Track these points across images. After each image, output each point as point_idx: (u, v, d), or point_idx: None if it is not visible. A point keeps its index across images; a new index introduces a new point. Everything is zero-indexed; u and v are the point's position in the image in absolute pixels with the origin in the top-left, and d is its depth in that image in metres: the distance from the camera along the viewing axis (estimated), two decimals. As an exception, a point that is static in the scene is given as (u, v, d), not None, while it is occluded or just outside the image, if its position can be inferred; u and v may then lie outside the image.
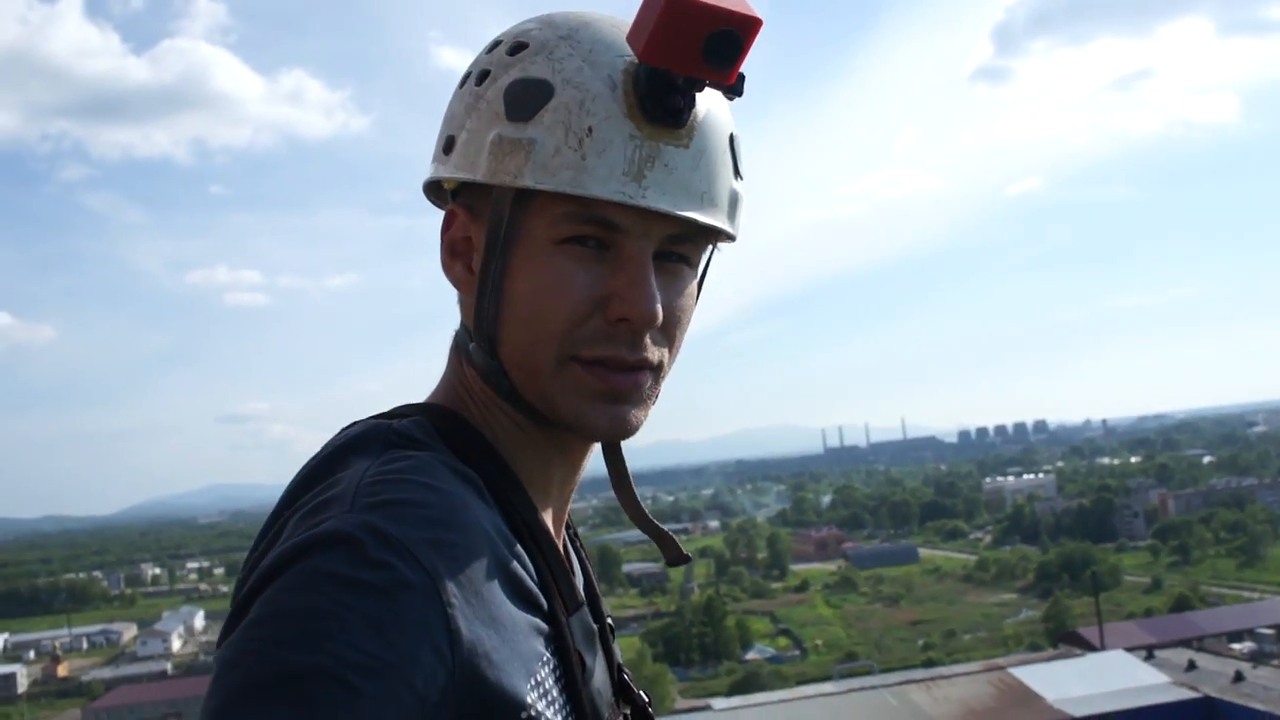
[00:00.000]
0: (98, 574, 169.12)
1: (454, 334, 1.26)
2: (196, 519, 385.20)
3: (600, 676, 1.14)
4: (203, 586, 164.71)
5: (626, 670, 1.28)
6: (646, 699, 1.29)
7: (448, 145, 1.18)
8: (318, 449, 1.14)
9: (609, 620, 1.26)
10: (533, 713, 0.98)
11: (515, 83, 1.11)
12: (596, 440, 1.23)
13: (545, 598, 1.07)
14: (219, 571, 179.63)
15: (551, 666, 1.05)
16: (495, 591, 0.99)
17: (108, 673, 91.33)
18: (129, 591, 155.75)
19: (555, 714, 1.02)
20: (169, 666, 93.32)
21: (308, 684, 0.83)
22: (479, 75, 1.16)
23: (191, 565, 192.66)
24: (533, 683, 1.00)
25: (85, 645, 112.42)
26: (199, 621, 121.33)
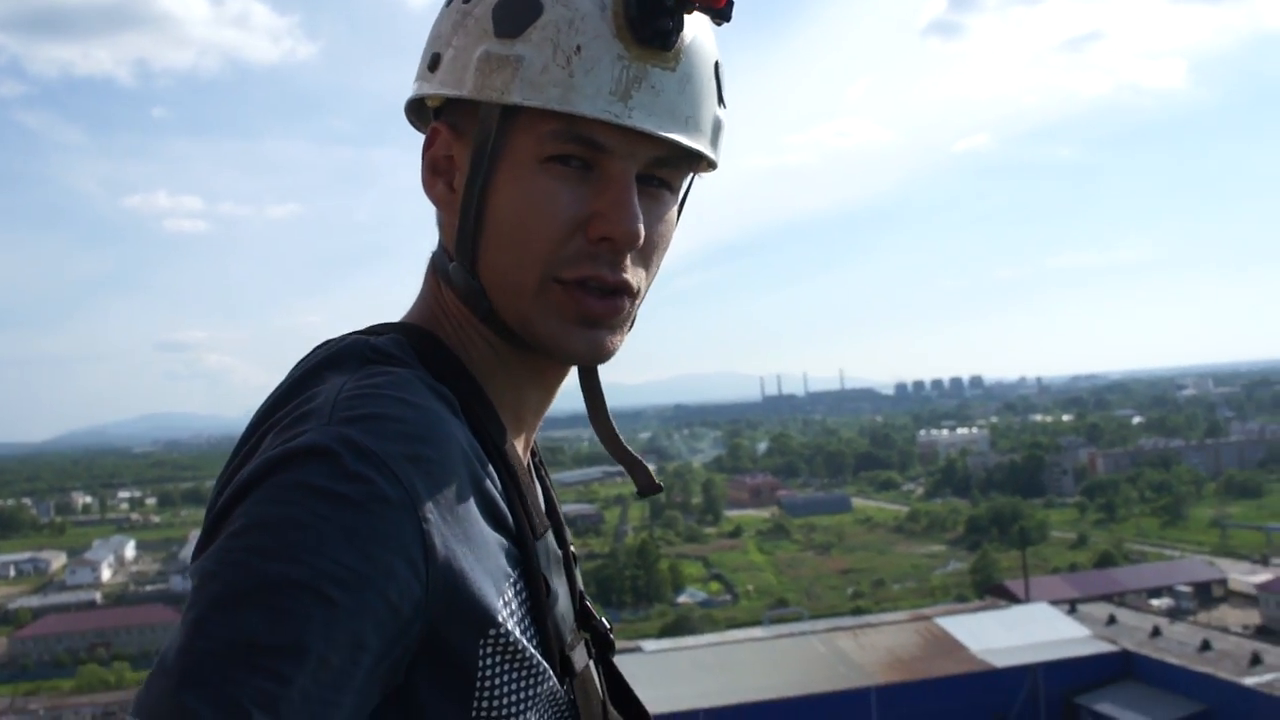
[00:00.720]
0: (27, 501, 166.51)
1: (431, 255, 1.25)
2: (130, 448, 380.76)
3: (564, 601, 1.14)
4: (134, 516, 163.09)
5: (587, 596, 1.28)
6: (608, 625, 1.29)
7: (433, 63, 1.16)
8: (294, 364, 1.14)
9: (571, 548, 1.26)
10: (501, 630, 0.99)
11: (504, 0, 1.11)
12: (573, 364, 1.24)
13: (514, 520, 1.08)
14: (151, 501, 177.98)
15: (518, 588, 1.05)
16: (470, 509, 1.00)
17: (35, 601, 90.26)
18: (59, 520, 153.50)
19: (521, 633, 1.03)
20: (98, 596, 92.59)
21: (284, 594, 0.84)
22: None
23: (123, 494, 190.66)
24: (502, 601, 1.00)
25: (13, 573, 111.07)
26: (129, 551, 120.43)
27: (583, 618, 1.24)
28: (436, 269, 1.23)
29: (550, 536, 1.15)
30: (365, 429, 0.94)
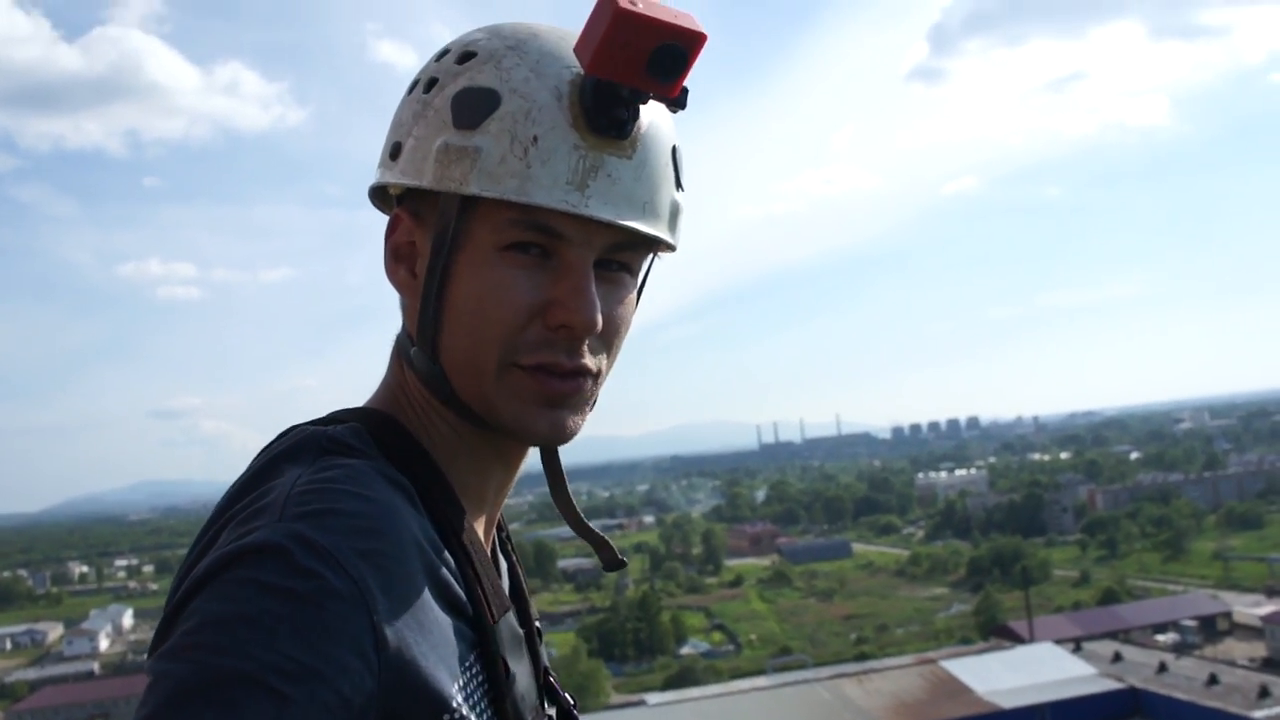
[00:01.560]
0: (23, 572, 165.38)
1: (395, 337, 1.26)
2: (126, 516, 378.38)
3: (525, 680, 1.16)
4: (131, 585, 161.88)
5: (553, 672, 1.29)
6: (572, 701, 1.30)
7: (394, 151, 1.18)
8: (254, 456, 1.15)
9: (537, 624, 1.28)
10: (456, 715, 1.00)
11: (463, 91, 1.13)
12: (535, 444, 1.25)
13: (472, 604, 1.09)
14: (148, 569, 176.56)
15: (474, 671, 1.07)
16: (423, 598, 1.01)
17: (33, 674, 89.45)
18: (55, 590, 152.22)
19: (477, 717, 1.05)
20: (96, 666, 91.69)
21: (235, 690, 0.84)
22: (427, 83, 1.17)
23: (120, 563, 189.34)
24: (457, 686, 1.02)
25: (9, 645, 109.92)
26: (127, 620, 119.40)
27: (548, 693, 1.25)
28: (400, 352, 1.24)
29: (512, 616, 1.17)
30: (316, 524, 0.95)
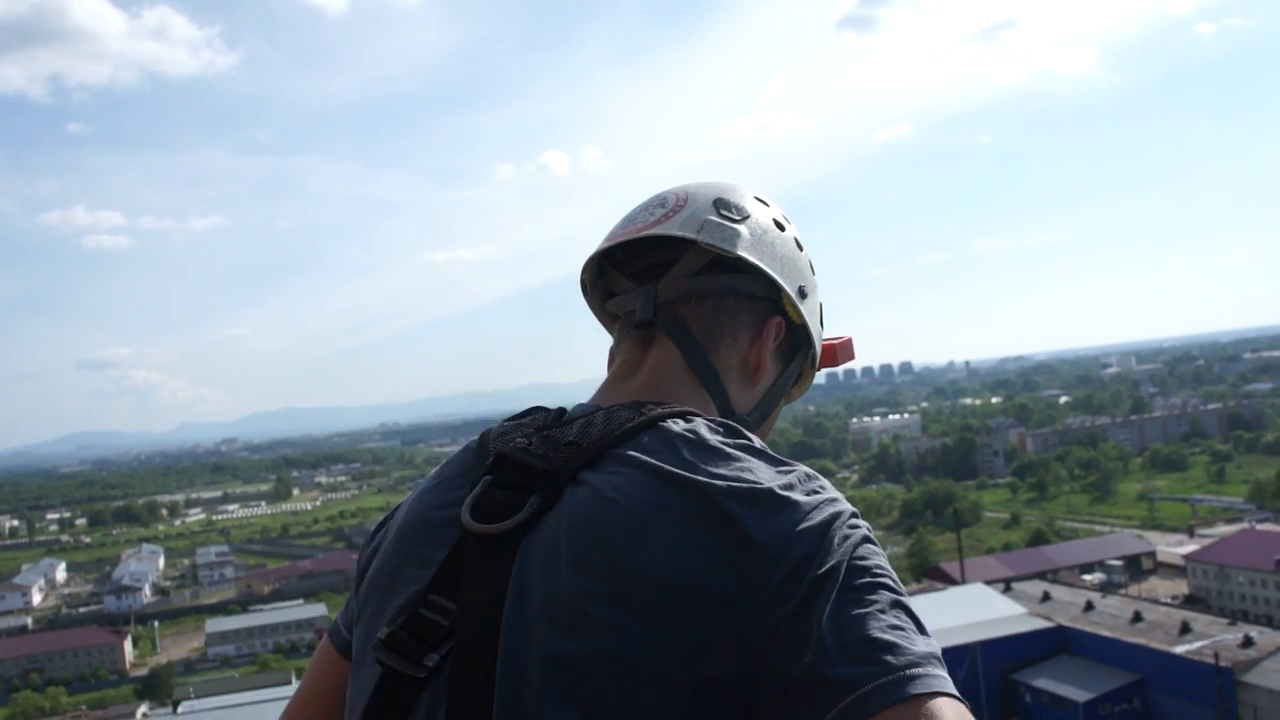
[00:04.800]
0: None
1: (699, 362, 1.35)
2: (57, 469, 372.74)
3: None
4: (64, 538, 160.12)
5: None
6: None
7: (802, 293, 1.41)
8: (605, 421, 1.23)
9: None
10: None
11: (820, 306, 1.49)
12: None
13: None
14: (81, 522, 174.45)
15: None
16: None
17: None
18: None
19: None
20: (29, 621, 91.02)
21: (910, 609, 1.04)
22: (798, 241, 1.47)
23: (52, 516, 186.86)
24: None
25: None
26: (60, 574, 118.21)
27: None
28: (720, 402, 1.36)
29: None
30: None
